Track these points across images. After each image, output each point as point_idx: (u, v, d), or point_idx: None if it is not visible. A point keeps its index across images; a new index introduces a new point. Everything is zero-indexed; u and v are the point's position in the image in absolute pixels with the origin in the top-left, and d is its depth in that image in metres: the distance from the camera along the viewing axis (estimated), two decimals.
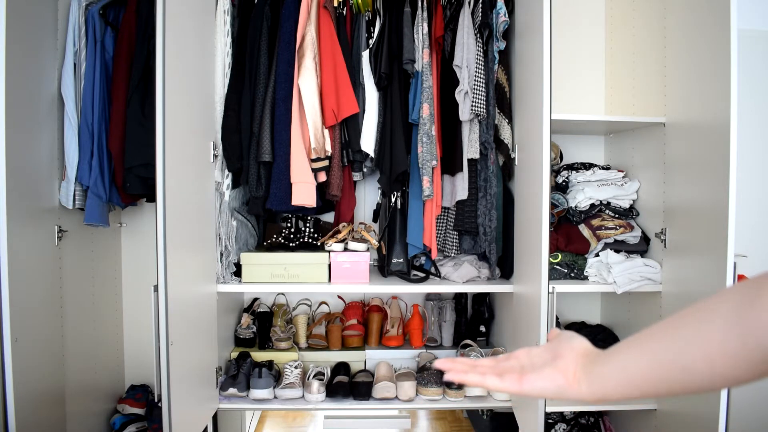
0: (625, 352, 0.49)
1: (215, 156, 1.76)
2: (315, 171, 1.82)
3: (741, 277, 1.86)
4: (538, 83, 1.55)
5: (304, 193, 1.79)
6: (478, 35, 1.87)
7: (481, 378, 0.54)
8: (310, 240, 1.96)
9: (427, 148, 1.82)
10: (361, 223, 2.12)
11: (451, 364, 0.56)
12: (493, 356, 0.57)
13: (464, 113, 1.84)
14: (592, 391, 0.49)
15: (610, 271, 1.79)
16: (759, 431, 2.04)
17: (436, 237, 1.95)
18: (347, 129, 1.94)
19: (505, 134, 1.86)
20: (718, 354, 0.42)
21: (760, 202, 2.15)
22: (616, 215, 1.94)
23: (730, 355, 0.42)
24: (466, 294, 2.27)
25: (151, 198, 1.76)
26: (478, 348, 2.05)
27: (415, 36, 1.87)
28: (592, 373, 0.50)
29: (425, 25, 1.87)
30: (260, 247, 2.05)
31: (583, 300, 2.28)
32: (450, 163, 1.93)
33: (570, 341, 0.54)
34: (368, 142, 1.92)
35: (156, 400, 1.44)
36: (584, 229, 1.96)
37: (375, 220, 2.19)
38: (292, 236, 1.95)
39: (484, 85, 1.86)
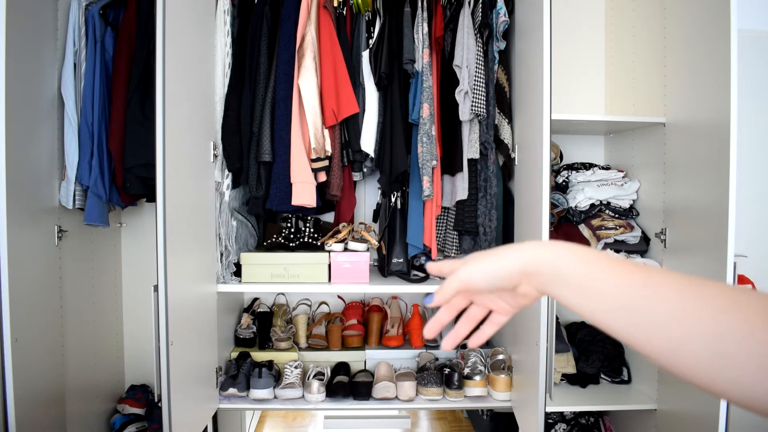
0: (592, 298, 0.49)
1: (215, 156, 1.76)
2: (315, 171, 1.82)
3: (741, 277, 1.86)
4: (538, 83, 1.55)
5: (304, 193, 1.79)
6: (478, 35, 1.87)
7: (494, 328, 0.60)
8: (310, 240, 1.96)
9: (427, 148, 1.82)
10: (361, 223, 2.12)
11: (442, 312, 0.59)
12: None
13: (464, 113, 1.84)
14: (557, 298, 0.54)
15: None
16: (759, 431, 2.04)
17: (436, 237, 1.95)
18: (347, 129, 1.94)
19: (505, 134, 1.86)
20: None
21: (760, 202, 2.15)
22: (616, 215, 1.94)
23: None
24: None
25: (151, 198, 1.76)
26: (479, 348, 2.05)
27: (415, 36, 1.87)
28: (559, 294, 0.52)
29: (425, 25, 1.87)
30: (260, 247, 2.05)
31: None
32: (450, 163, 1.93)
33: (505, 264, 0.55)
34: (368, 142, 1.92)
35: (156, 400, 1.44)
36: (584, 229, 1.96)
37: (375, 220, 2.18)
38: (292, 236, 1.95)
39: (484, 85, 1.86)
